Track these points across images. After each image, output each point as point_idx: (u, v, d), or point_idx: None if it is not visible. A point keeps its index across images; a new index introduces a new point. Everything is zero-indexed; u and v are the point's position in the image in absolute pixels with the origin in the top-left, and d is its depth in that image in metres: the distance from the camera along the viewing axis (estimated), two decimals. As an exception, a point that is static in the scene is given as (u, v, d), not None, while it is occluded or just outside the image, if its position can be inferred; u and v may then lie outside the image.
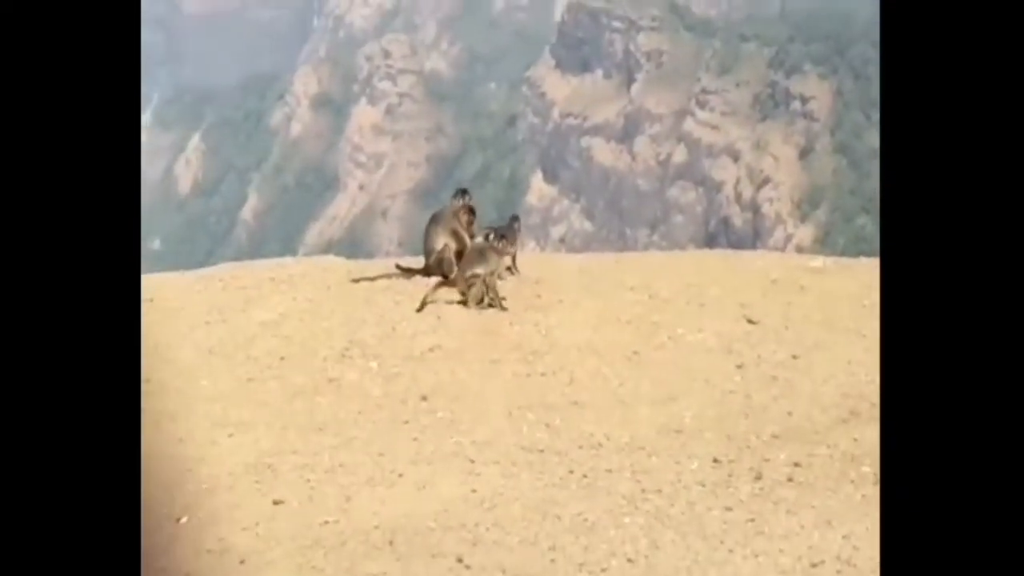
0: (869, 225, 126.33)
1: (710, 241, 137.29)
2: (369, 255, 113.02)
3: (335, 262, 15.84)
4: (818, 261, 15.41)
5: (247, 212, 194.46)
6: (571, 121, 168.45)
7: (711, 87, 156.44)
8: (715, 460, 10.23)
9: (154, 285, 14.87)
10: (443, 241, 14.33)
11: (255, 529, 9.30)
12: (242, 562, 8.88)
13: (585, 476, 10.00)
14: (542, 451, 10.48)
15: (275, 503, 9.68)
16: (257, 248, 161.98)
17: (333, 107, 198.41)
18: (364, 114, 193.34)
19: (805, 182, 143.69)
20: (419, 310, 13.39)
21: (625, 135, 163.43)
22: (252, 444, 10.75)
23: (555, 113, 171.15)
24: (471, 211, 14.64)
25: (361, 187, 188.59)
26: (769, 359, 12.22)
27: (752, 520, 9.16)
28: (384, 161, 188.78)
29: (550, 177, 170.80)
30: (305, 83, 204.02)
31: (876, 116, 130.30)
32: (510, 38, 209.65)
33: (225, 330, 13.37)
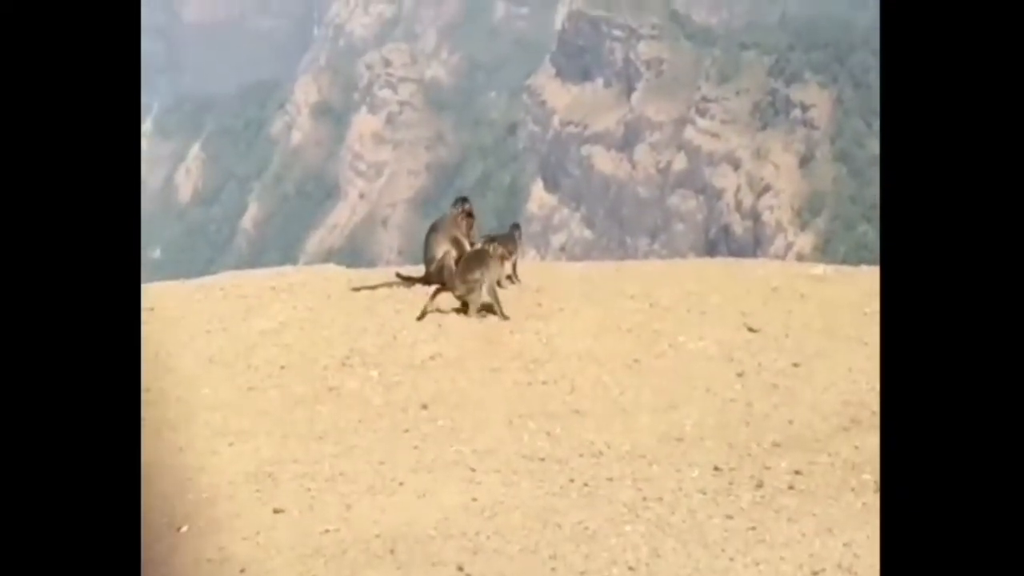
0: (870, 233, 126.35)
1: (711, 249, 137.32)
2: (370, 264, 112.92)
3: (335, 271, 15.83)
4: (819, 269, 15.41)
5: (247, 221, 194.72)
6: (571, 129, 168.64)
7: (711, 95, 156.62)
8: (716, 468, 10.23)
9: (154, 294, 14.87)
10: (444, 248, 14.31)
11: (255, 538, 9.29)
12: (242, 571, 8.87)
13: (586, 484, 10.00)
14: (543, 459, 10.48)
15: (276, 512, 9.67)
16: (257, 257, 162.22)
17: (333, 116, 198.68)
18: (364, 123, 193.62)
19: (806, 190, 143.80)
20: (420, 318, 13.40)
21: (625, 143, 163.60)
22: (252, 453, 10.74)
23: (555, 121, 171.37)
24: (470, 215, 14.63)
25: (361, 196, 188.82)
26: (770, 367, 12.22)
27: (753, 528, 9.16)
28: (384, 169, 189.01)
29: (550, 185, 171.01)
30: (305, 92, 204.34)
31: (876, 124, 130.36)
32: (510, 47, 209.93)
33: (225, 339, 13.37)
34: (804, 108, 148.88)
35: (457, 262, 14.14)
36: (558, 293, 14.19)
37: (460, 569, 8.73)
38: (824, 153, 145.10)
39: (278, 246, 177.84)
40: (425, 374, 12.32)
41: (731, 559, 8.77)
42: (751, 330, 13.09)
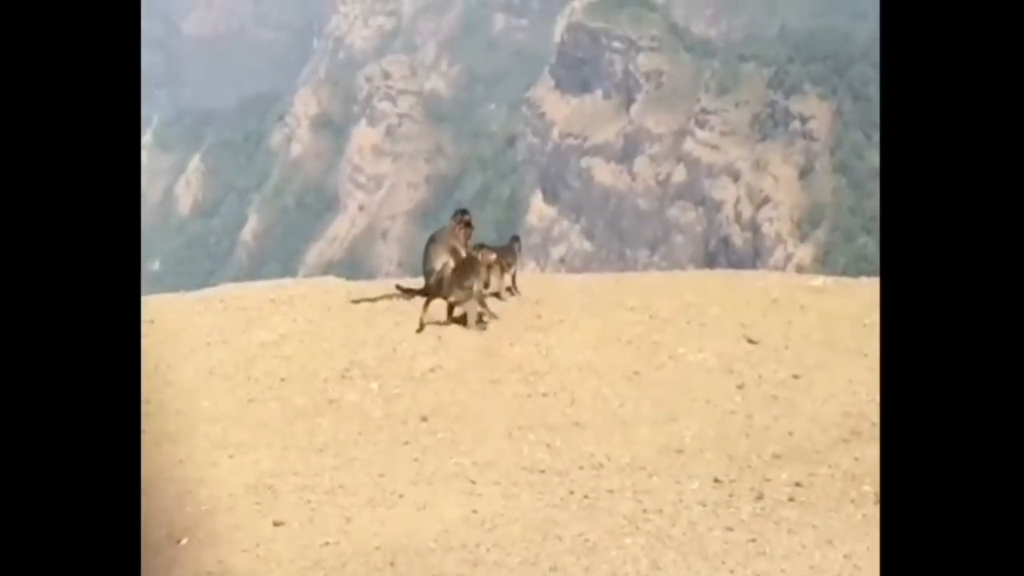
0: (870, 244, 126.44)
1: (710, 261, 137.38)
2: (369, 276, 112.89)
3: (335, 283, 15.83)
4: (818, 281, 15.42)
5: (247, 233, 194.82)
6: (571, 141, 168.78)
7: (710, 107, 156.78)
8: (716, 480, 10.24)
9: (155, 306, 14.88)
10: (442, 260, 14.28)
11: (255, 551, 9.29)
12: (242, 584, 8.88)
13: (586, 496, 10.00)
14: (543, 471, 10.48)
15: (275, 524, 9.67)
16: (257, 269, 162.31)
17: (333, 128, 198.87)
18: (364, 135, 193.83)
19: (805, 202, 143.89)
20: (419, 331, 13.40)
21: (625, 155, 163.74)
22: (252, 465, 10.74)
23: (555, 133, 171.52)
24: (468, 225, 14.61)
25: (361, 208, 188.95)
26: (770, 379, 12.22)
27: (753, 540, 9.16)
28: (384, 182, 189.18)
29: (550, 197, 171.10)
30: (305, 104, 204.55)
31: (876, 135, 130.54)
32: (510, 59, 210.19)
33: (226, 351, 13.37)
34: (803, 120, 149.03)
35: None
36: (558, 305, 14.19)
37: (460, 581, 8.75)
38: (823, 165, 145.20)
39: (278, 258, 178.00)
40: (425, 386, 12.32)
41: (731, 571, 8.77)
42: (751, 342, 13.10)
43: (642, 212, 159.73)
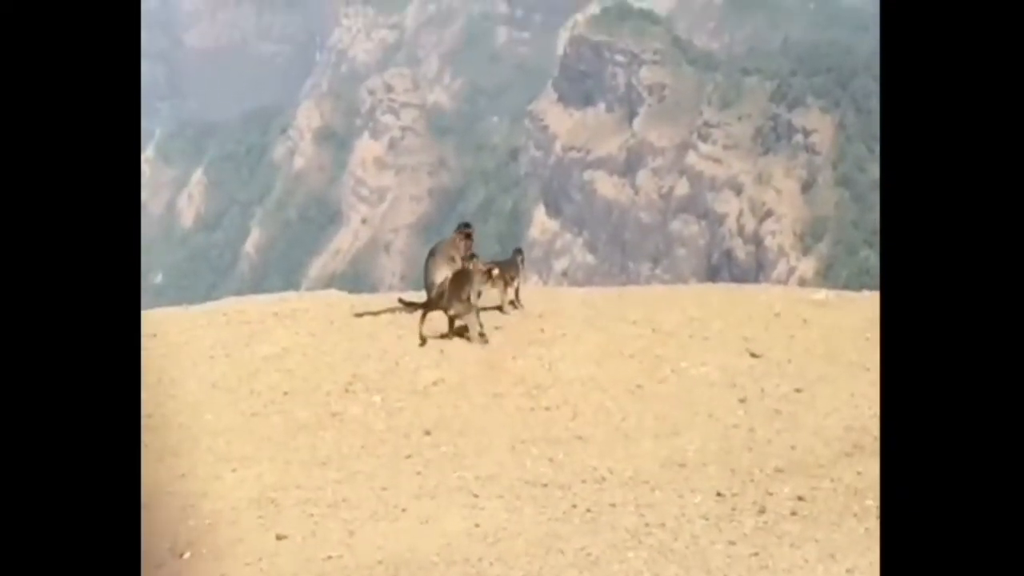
0: (872, 258, 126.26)
1: (713, 274, 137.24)
2: (372, 289, 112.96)
3: (338, 296, 15.85)
4: (821, 294, 15.41)
5: (250, 246, 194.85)
6: (573, 154, 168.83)
7: (713, 120, 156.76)
8: (719, 494, 10.24)
9: (157, 320, 14.90)
10: (443, 273, 14.27)
11: (258, 564, 9.29)
12: (245, 597, 8.89)
13: (589, 510, 10.00)
14: (545, 485, 10.49)
15: (278, 538, 9.68)
16: (260, 282, 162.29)
17: (336, 141, 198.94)
18: (367, 148, 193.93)
19: (808, 215, 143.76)
20: (422, 344, 13.42)
21: (627, 168, 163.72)
22: (255, 479, 10.75)
23: (557, 146, 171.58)
24: (468, 236, 14.61)
25: (364, 221, 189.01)
26: (772, 393, 12.23)
27: (756, 554, 9.16)
28: (387, 195, 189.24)
29: (552, 211, 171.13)
30: (308, 117, 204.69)
31: (879, 149, 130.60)
32: (512, 72, 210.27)
33: (228, 365, 13.39)
34: (806, 133, 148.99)
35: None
36: (560, 319, 14.20)
37: (463, 595, 8.75)
38: (826, 178, 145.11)
39: (280, 271, 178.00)
40: (428, 400, 12.33)
41: (734, 585, 8.78)
42: (753, 355, 13.10)
43: (645, 225, 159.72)
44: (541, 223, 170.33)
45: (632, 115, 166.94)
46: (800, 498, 10.10)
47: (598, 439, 11.40)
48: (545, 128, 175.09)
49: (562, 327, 13.91)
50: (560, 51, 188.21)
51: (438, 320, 13.66)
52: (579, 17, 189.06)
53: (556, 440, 11.37)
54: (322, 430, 11.79)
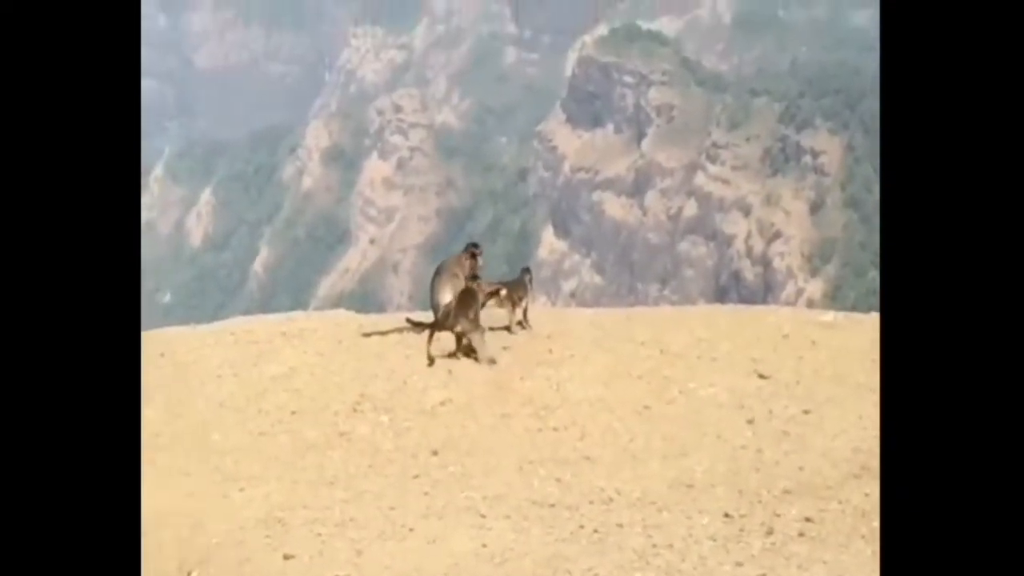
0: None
1: (721, 295, 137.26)
2: (380, 309, 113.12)
3: (346, 316, 15.86)
4: (829, 316, 15.40)
5: (258, 265, 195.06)
6: (582, 175, 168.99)
7: (722, 141, 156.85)
8: (726, 515, 10.23)
9: (165, 339, 14.92)
10: (447, 292, 14.24)
11: (266, 583, 9.30)
12: (253, 617, 8.89)
13: (596, 531, 10.00)
14: (553, 505, 10.49)
15: (286, 558, 9.68)
16: (268, 301, 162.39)
17: (344, 161, 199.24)
18: (375, 168, 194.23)
19: (816, 236, 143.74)
20: (430, 364, 13.42)
21: (636, 189, 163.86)
22: (263, 498, 10.76)
23: (566, 167, 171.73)
24: (474, 256, 14.57)
25: (372, 241, 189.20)
26: (780, 414, 12.22)
27: (764, 575, 9.15)
28: (395, 215, 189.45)
29: (561, 231, 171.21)
30: (316, 137, 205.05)
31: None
32: (521, 92, 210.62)
33: (236, 384, 13.40)
34: (815, 154, 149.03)
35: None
36: (569, 339, 14.21)
37: (470, 615, 8.75)
38: (835, 200, 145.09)
39: (289, 291, 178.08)
40: (435, 420, 12.34)
41: (741, 606, 8.78)
42: (761, 377, 13.10)
43: (653, 246, 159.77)
44: (549, 244, 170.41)
45: (640, 136, 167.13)
46: (808, 519, 10.10)
47: (606, 460, 11.40)
48: (554, 149, 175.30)
49: (570, 348, 13.91)
50: (569, 72, 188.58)
51: (446, 340, 13.66)
52: (588, 38, 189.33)
53: (564, 460, 11.37)
54: (330, 450, 11.80)
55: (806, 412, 12.22)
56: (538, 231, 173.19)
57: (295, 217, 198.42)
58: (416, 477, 11.15)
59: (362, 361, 13.72)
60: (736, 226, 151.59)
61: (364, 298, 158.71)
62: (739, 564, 9.38)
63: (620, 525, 10.08)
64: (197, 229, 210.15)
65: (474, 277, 14.13)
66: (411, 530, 10.07)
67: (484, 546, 9.77)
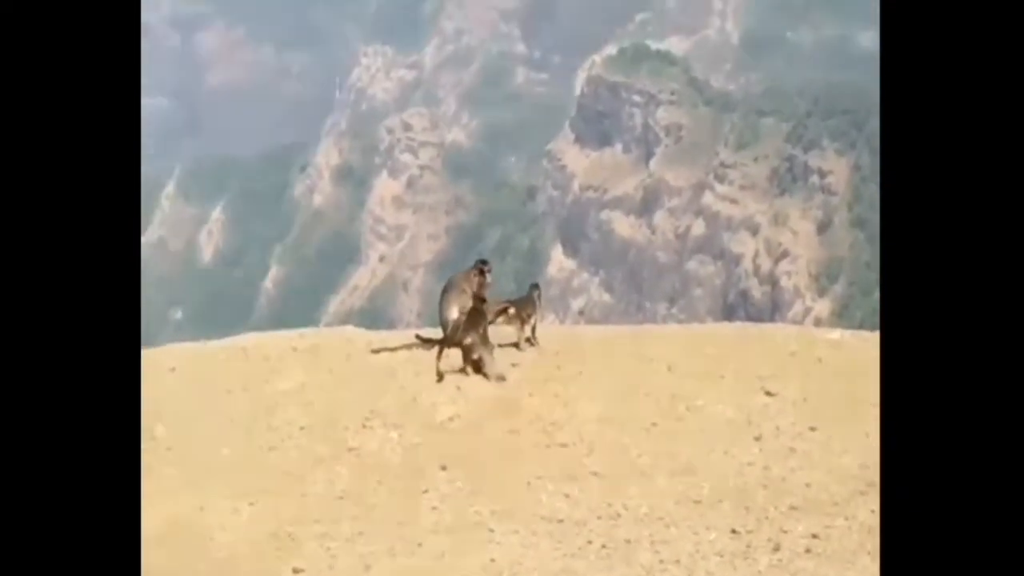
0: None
1: (729, 314, 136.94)
2: (390, 326, 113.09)
3: (356, 333, 15.87)
4: (836, 334, 15.39)
5: (269, 282, 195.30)
6: (590, 194, 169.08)
7: (729, 161, 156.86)
8: (733, 531, 10.23)
9: (177, 355, 14.95)
10: (455, 308, 14.23)
11: (275, 597, 9.32)
12: (262, 630, 8.90)
13: (604, 546, 10.01)
14: (561, 521, 10.50)
15: (295, 572, 9.71)
16: (279, 318, 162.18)
17: (355, 179, 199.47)
18: (385, 186, 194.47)
19: (823, 256, 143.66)
20: (439, 380, 13.43)
21: (644, 208, 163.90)
22: (273, 512, 10.78)
23: (575, 186, 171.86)
24: (482, 273, 14.53)
25: (382, 258, 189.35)
26: (787, 431, 12.22)
27: (770, 591, 9.16)
28: (405, 233, 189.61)
29: (569, 250, 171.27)
30: (327, 155, 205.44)
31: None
32: (530, 111, 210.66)
33: (247, 399, 13.42)
34: (822, 174, 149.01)
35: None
36: (577, 356, 14.21)
37: (478, 630, 8.76)
38: (842, 219, 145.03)
39: (299, 308, 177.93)
40: (444, 435, 12.35)
41: (748, 622, 8.77)
42: (768, 394, 13.09)
43: (661, 265, 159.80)
44: (558, 262, 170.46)
45: (649, 155, 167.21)
46: (815, 536, 10.10)
47: (614, 476, 11.40)
48: (562, 168, 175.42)
49: (579, 365, 13.93)
50: (577, 91, 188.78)
51: (455, 356, 13.67)
52: (596, 58, 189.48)
53: (572, 476, 11.38)
54: (339, 465, 11.81)
55: (813, 429, 12.22)
56: (547, 249, 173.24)
57: (306, 235, 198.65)
58: (425, 492, 11.16)
59: (372, 377, 13.74)
60: (744, 245, 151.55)
61: (374, 315, 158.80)
62: (746, 580, 9.40)
63: (628, 540, 10.09)
64: (208, 246, 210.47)
65: (481, 300, 14.10)
66: (420, 545, 10.10)
67: (492, 561, 9.79)
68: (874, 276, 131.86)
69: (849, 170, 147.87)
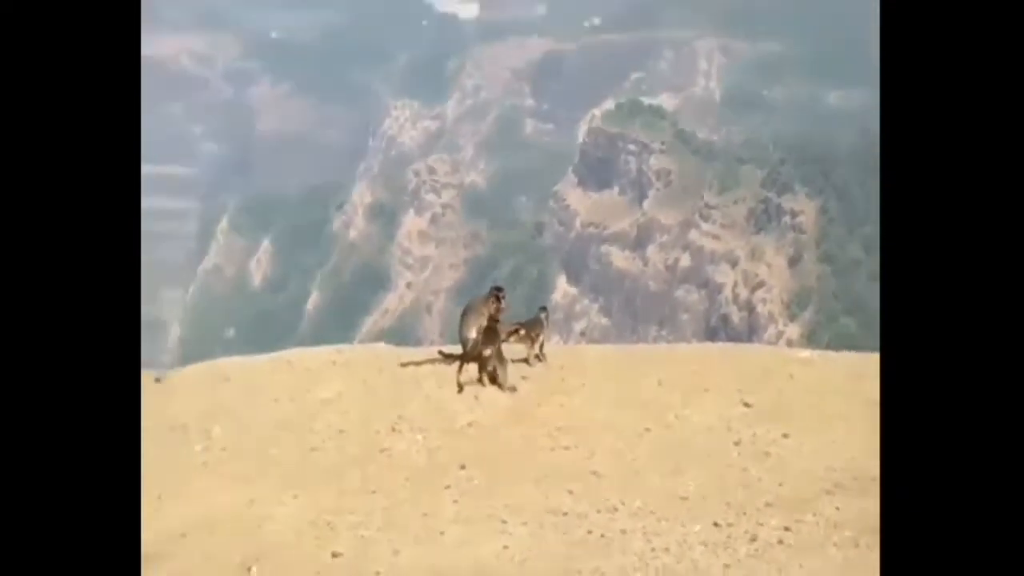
0: (851, 325, 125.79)
1: (711, 336, 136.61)
2: (416, 343, 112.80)
3: (386, 349, 15.87)
4: (805, 354, 15.38)
5: (310, 305, 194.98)
6: (591, 230, 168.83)
7: (713, 202, 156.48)
8: (716, 524, 10.23)
9: (230, 367, 14.98)
10: (473, 328, 14.21)
11: (316, 578, 9.32)
12: (304, 606, 8.90)
13: (603, 536, 10.01)
14: (565, 514, 10.50)
15: (333, 556, 9.72)
16: (319, 336, 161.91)
17: (385, 216, 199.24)
18: (412, 222, 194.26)
19: (794, 286, 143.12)
20: (459, 391, 13.45)
21: (638, 243, 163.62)
22: (314, 504, 10.79)
23: (577, 223, 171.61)
24: (498, 299, 14.52)
25: (409, 285, 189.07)
26: (763, 437, 12.21)
27: (748, 577, 9.15)
28: (429, 263, 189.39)
29: (573, 279, 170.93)
30: (361, 195, 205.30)
31: (858, 230, 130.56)
32: (538, 158, 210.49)
33: (292, 406, 13.44)
34: (793, 215, 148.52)
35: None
36: (580, 371, 14.22)
37: (493, 608, 8.75)
38: (811, 255, 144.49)
39: (336, 328, 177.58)
40: (464, 438, 12.36)
41: (728, 603, 8.76)
42: (747, 405, 13.08)
43: (653, 293, 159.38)
44: (563, 289, 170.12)
45: (643, 197, 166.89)
46: (787, 529, 10.09)
47: (611, 475, 11.40)
48: (567, 207, 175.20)
49: (581, 378, 13.93)
50: (580, 140, 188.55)
51: (473, 371, 13.69)
52: (597, 111, 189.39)
53: (575, 475, 11.37)
54: (372, 463, 11.82)
55: (785, 436, 12.21)
56: (553, 278, 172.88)
57: (342, 264, 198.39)
58: (447, 488, 11.16)
59: (400, 387, 13.75)
60: (725, 276, 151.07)
61: (402, 334, 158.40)
62: (727, 566, 9.40)
63: (623, 531, 10.09)
64: (257, 273, 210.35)
65: (496, 321, 14.08)
66: (442, 534, 10.11)
67: (506, 548, 9.80)
68: (839, 305, 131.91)
69: (817, 211, 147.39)
